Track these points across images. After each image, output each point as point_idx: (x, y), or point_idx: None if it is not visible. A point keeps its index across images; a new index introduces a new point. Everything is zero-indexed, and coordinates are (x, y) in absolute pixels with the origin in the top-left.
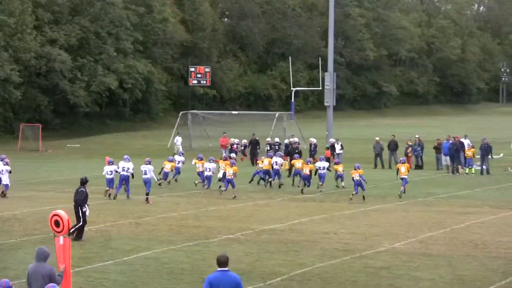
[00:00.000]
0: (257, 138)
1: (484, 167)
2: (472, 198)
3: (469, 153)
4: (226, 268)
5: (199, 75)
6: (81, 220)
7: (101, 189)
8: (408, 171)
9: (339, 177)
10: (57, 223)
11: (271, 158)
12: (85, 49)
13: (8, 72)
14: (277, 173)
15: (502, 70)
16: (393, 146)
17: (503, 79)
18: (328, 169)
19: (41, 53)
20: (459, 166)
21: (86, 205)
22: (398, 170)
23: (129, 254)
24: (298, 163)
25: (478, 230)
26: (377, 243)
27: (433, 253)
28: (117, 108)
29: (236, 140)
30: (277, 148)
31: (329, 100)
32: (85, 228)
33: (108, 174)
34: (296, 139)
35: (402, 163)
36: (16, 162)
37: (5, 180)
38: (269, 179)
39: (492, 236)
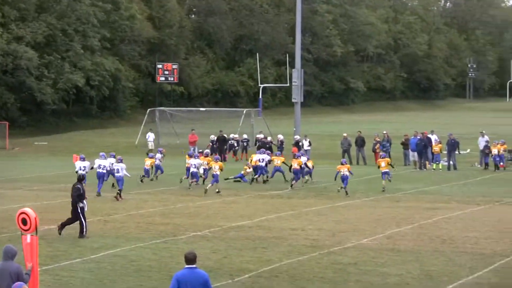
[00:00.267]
0: (224, 135)
1: (451, 162)
2: (440, 194)
3: (436, 148)
4: (194, 265)
5: (166, 72)
6: (77, 217)
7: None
8: (389, 164)
9: (308, 173)
10: (24, 221)
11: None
12: (51, 46)
13: None
14: (262, 169)
15: (469, 66)
16: (360, 142)
17: (470, 74)
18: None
19: (8, 51)
20: (427, 162)
21: (83, 201)
22: (379, 166)
23: (97, 252)
24: (277, 160)
25: (446, 226)
26: (345, 239)
27: (401, 248)
28: (84, 106)
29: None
30: (245, 145)
31: (297, 96)
32: (53, 226)
33: (81, 169)
34: (262, 135)
35: (382, 158)
36: None
37: None
38: (255, 176)
39: (459, 231)
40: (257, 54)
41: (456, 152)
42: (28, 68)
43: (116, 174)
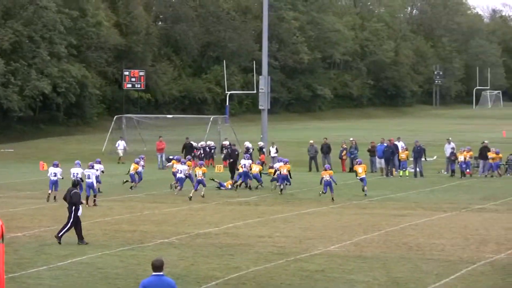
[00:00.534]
0: (191, 142)
1: (417, 169)
2: (406, 201)
3: (403, 155)
4: (161, 273)
5: (133, 79)
6: (71, 222)
7: (34, 194)
8: (365, 171)
9: (274, 179)
10: None
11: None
12: (18, 53)
13: None
14: (246, 175)
15: (435, 72)
16: (326, 149)
17: (437, 81)
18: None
19: None
20: (393, 169)
21: (79, 206)
22: (356, 171)
23: (64, 259)
24: (255, 168)
25: (412, 233)
26: (312, 246)
27: (368, 255)
28: (51, 113)
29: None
30: (212, 152)
31: (264, 103)
32: (19, 234)
33: (53, 175)
34: (227, 142)
35: (358, 164)
36: None
37: None
38: (237, 183)
39: (426, 238)
40: (224, 61)
41: (423, 159)
42: None
43: (86, 180)
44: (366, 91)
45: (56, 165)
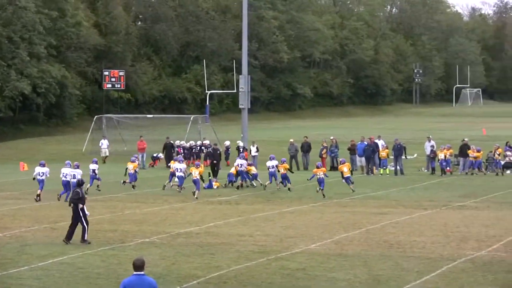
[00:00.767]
0: (171, 141)
1: (398, 167)
2: (387, 199)
3: (383, 153)
4: (142, 272)
5: (113, 79)
6: (79, 220)
7: (15, 195)
8: (350, 170)
9: (254, 177)
10: None
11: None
12: None
13: None
14: (242, 174)
15: (415, 71)
16: (306, 148)
17: (416, 80)
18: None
19: None
20: (374, 167)
21: (83, 204)
22: (341, 172)
23: (45, 259)
24: (282, 169)
25: (393, 230)
26: (293, 244)
27: (349, 253)
28: (31, 113)
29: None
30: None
31: (244, 102)
32: (0, 234)
33: (39, 175)
34: (207, 142)
35: (342, 163)
36: None
37: None
38: (234, 183)
39: (407, 236)
40: (204, 60)
41: (403, 157)
42: None
43: (72, 180)
44: (346, 90)
45: (43, 165)
